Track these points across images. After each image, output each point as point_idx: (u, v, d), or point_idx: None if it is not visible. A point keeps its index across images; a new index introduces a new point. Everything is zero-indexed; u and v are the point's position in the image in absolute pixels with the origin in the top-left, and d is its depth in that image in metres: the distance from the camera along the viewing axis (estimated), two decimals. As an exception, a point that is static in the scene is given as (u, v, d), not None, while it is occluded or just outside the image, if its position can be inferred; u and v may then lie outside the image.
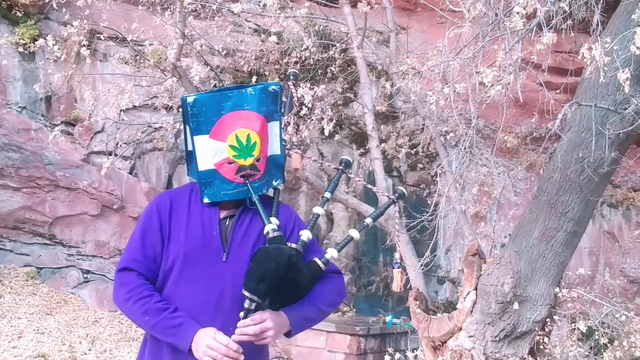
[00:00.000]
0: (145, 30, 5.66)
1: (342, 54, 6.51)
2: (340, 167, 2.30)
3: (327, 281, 2.04)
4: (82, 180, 6.85)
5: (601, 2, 3.08)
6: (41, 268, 6.82)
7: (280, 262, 1.85)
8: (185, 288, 1.92)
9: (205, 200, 2.01)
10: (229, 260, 1.94)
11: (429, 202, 5.54)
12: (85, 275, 6.96)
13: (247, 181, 1.99)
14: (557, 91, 5.20)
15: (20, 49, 6.53)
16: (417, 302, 3.89)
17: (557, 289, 3.53)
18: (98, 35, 6.02)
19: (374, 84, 7.18)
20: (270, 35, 5.23)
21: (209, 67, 5.75)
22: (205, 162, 2.00)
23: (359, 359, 6.40)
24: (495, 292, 3.42)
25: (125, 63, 6.79)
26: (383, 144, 6.63)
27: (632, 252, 8.19)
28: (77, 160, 6.96)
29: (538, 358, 3.56)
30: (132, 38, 5.52)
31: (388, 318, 7.18)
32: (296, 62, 6.43)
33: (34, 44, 5.25)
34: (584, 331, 3.57)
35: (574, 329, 3.63)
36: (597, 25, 3.10)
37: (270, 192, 2.13)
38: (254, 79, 5.70)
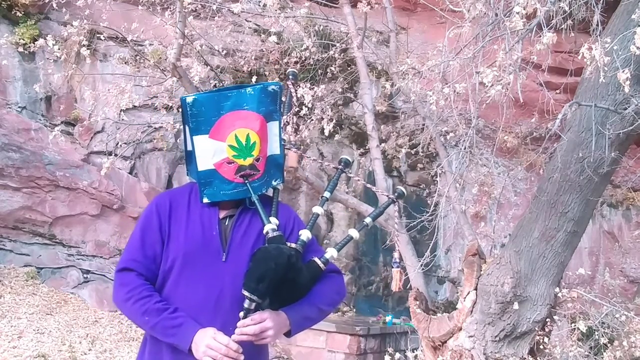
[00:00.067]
0: (145, 30, 5.66)
1: (342, 54, 6.51)
2: (340, 167, 2.30)
3: (327, 281, 2.04)
4: (82, 180, 6.85)
5: (601, 2, 3.08)
6: (41, 268, 6.82)
7: (280, 261, 1.85)
8: (185, 288, 1.92)
9: (205, 200, 2.01)
10: (229, 260, 1.94)
11: (429, 202, 5.54)
12: (85, 275, 6.96)
13: (246, 181, 1.99)
14: (557, 91, 5.20)
15: (20, 49, 6.53)
16: (417, 302, 3.89)
17: (557, 289, 3.53)
18: (98, 35, 6.02)
19: (374, 84, 7.18)
20: (270, 35, 5.23)
21: (209, 67, 5.75)
22: (204, 162, 2.00)
23: (359, 359, 6.40)
24: (495, 292, 3.42)
25: (125, 63, 6.79)
26: (383, 144, 6.63)
27: (632, 252, 8.19)
28: (77, 160, 6.96)
29: (538, 358, 3.56)
30: (132, 38, 5.52)
31: (388, 318, 7.18)
32: (296, 62, 6.43)
33: (34, 44, 5.25)
34: (584, 331, 3.57)
35: (574, 329, 3.63)
36: (597, 25, 3.10)
37: (270, 192, 2.13)
38: (254, 79, 5.70)
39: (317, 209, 2.14)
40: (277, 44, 6.45)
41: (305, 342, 6.50)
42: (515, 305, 3.40)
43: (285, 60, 6.63)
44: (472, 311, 3.53)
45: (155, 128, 6.87)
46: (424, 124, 5.83)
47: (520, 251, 3.53)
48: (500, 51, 3.15)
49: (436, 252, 7.82)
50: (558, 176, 3.45)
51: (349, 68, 6.74)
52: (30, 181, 6.66)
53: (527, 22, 2.87)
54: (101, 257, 7.08)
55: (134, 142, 6.90)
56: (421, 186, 8.22)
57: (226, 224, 2.00)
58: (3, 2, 6.84)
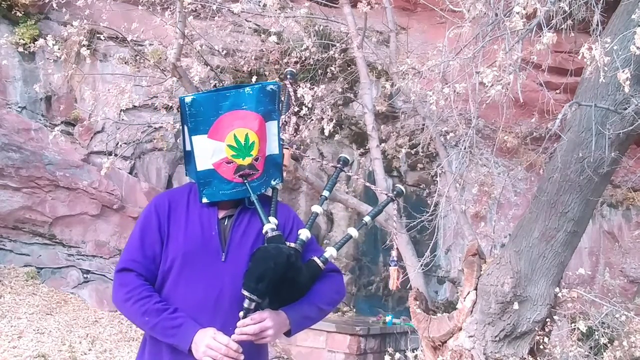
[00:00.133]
0: (145, 30, 5.65)
1: (342, 54, 6.50)
2: (339, 165, 2.30)
3: (326, 280, 2.04)
4: (82, 180, 6.85)
5: (601, 2, 3.08)
6: (41, 268, 6.82)
7: (279, 261, 1.85)
8: (184, 288, 1.92)
9: (204, 200, 2.01)
10: (228, 260, 1.94)
11: (429, 202, 5.54)
12: (85, 275, 6.96)
13: (245, 181, 1.99)
14: (557, 91, 5.20)
15: (20, 49, 6.53)
16: (417, 302, 3.89)
17: (557, 289, 3.53)
18: (98, 35, 6.02)
19: (374, 84, 7.18)
20: (270, 35, 5.23)
21: (209, 67, 5.74)
22: (203, 162, 2.00)
23: (359, 359, 6.40)
24: (495, 292, 3.42)
25: (125, 63, 6.80)
26: (383, 144, 6.63)
27: (632, 252, 8.19)
28: (77, 160, 6.96)
29: (538, 358, 3.56)
30: (132, 38, 5.52)
31: (388, 318, 7.18)
32: (296, 62, 6.42)
33: (34, 44, 5.25)
34: (584, 331, 3.57)
35: (574, 329, 3.63)
36: (597, 25, 3.10)
37: (269, 192, 2.13)
38: (254, 79, 5.70)
39: (316, 208, 2.14)
40: (277, 44, 6.45)
41: (305, 342, 6.50)
42: (515, 305, 3.40)
43: (285, 60, 6.63)
44: (472, 311, 3.53)
45: (155, 128, 6.87)
46: (424, 124, 5.83)
47: (520, 251, 3.53)
48: (500, 51, 3.15)
49: (436, 252, 7.82)
50: (558, 176, 3.45)
51: (349, 68, 6.74)
52: (30, 181, 6.66)
53: (527, 22, 2.87)
54: (101, 257, 7.08)
55: (134, 142, 6.90)
56: (421, 186, 8.22)
57: (225, 223, 2.00)
58: (3, 2, 6.84)
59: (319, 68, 6.52)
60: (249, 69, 6.76)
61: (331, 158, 7.85)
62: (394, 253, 2.20)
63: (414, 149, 6.40)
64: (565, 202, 3.44)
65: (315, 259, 2.00)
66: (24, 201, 6.66)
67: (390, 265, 2.24)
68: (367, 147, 6.33)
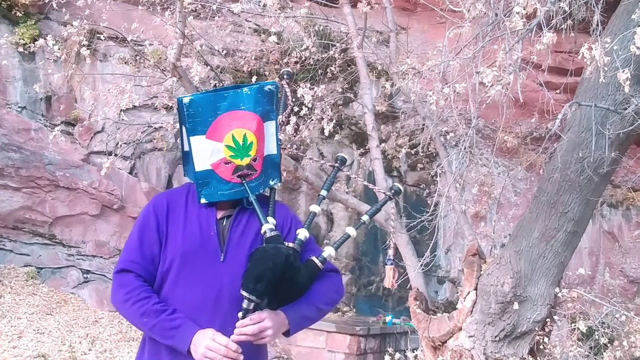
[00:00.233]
0: (145, 30, 5.65)
1: (342, 54, 6.50)
2: (336, 165, 2.30)
3: (325, 280, 2.04)
4: (82, 180, 6.85)
5: (601, 2, 3.08)
6: (41, 268, 6.82)
7: (278, 261, 1.85)
8: (183, 289, 1.92)
9: (203, 200, 2.01)
10: (227, 261, 1.94)
11: (429, 202, 5.54)
12: (85, 275, 6.97)
13: (243, 181, 1.99)
14: (557, 91, 5.19)
15: (20, 49, 6.53)
16: (417, 302, 3.89)
17: (557, 289, 3.53)
18: (98, 35, 6.01)
19: (374, 84, 7.18)
20: (270, 35, 5.22)
21: (209, 67, 5.74)
22: (201, 163, 2.00)
23: (359, 359, 6.40)
24: (495, 292, 3.42)
25: (125, 63, 6.79)
26: (383, 144, 6.62)
27: (632, 252, 8.19)
28: (77, 160, 6.96)
29: (538, 358, 3.56)
30: (132, 38, 5.51)
31: (388, 318, 7.18)
32: (296, 62, 6.42)
33: (34, 44, 5.24)
34: (584, 331, 3.57)
35: (574, 329, 3.63)
36: (597, 25, 3.09)
37: (267, 192, 2.13)
38: (254, 79, 5.69)
39: (314, 208, 2.14)
40: (277, 44, 6.45)
41: (305, 342, 6.50)
42: (515, 305, 3.40)
43: (285, 60, 6.63)
44: (472, 311, 3.53)
45: (155, 128, 6.87)
46: (424, 124, 5.83)
47: (520, 251, 3.53)
48: (500, 51, 3.15)
49: (436, 252, 7.82)
50: (558, 176, 3.45)
51: (349, 68, 6.73)
52: (30, 181, 6.66)
53: (527, 22, 2.87)
54: (101, 257, 7.08)
55: (134, 142, 6.90)
56: (421, 186, 8.22)
57: (224, 224, 2.00)
58: (3, 2, 6.85)
59: (319, 68, 6.52)
60: (249, 69, 6.76)
61: (331, 158, 7.85)
62: (390, 252, 2.21)
63: (414, 149, 6.40)
64: (565, 202, 3.44)
65: (314, 258, 2.00)
66: (24, 201, 6.66)
67: (386, 264, 2.25)
68: (367, 147, 6.32)
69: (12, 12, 6.89)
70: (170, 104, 5.69)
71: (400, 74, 5.13)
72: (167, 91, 5.53)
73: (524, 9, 2.75)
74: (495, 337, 3.45)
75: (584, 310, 3.69)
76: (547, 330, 3.55)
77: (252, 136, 1.98)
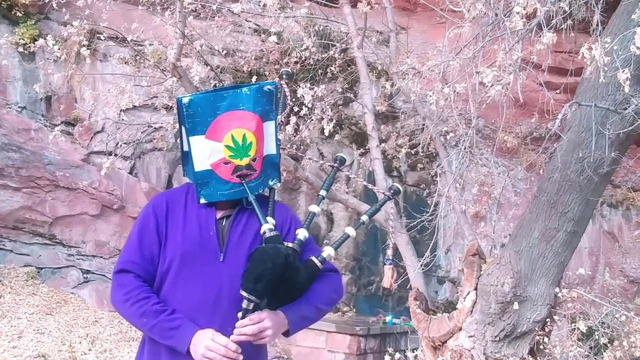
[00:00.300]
0: (145, 30, 5.65)
1: (342, 54, 6.50)
2: (335, 165, 2.30)
3: (325, 280, 2.04)
4: (82, 180, 6.85)
5: (601, 2, 3.08)
6: (41, 268, 6.82)
7: (277, 261, 1.85)
8: (182, 289, 1.92)
9: (202, 200, 2.00)
10: (226, 261, 1.94)
11: (429, 202, 5.54)
12: (85, 275, 6.97)
13: (243, 181, 1.99)
14: (557, 91, 5.19)
15: (20, 49, 6.53)
16: (417, 302, 3.89)
17: (557, 289, 3.53)
18: (98, 35, 6.02)
19: (374, 84, 7.18)
20: (270, 35, 5.22)
21: (209, 67, 5.74)
22: (201, 163, 1.99)
23: (359, 359, 6.40)
24: (495, 292, 3.42)
25: (125, 63, 6.79)
26: (383, 144, 6.62)
27: (632, 252, 8.18)
28: (77, 160, 6.96)
29: (538, 358, 3.56)
30: (132, 38, 5.51)
31: (388, 318, 7.18)
32: (296, 62, 6.42)
33: (34, 44, 5.24)
34: (584, 331, 3.56)
35: (574, 329, 3.63)
36: (597, 25, 3.09)
37: (267, 192, 2.13)
38: (254, 79, 5.70)
39: (313, 208, 2.14)
40: (277, 44, 6.45)
41: (305, 342, 6.50)
42: (515, 305, 3.40)
43: (285, 60, 6.62)
44: (472, 311, 3.53)
45: (155, 128, 6.87)
46: (424, 124, 5.83)
47: (520, 251, 3.53)
48: (500, 51, 3.15)
49: (436, 252, 7.82)
50: (558, 176, 3.45)
51: (349, 68, 6.73)
52: (30, 181, 6.66)
53: (527, 22, 2.87)
54: (101, 257, 7.08)
55: (134, 142, 6.90)
56: (421, 186, 8.22)
57: (223, 224, 2.00)
58: (3, 2, 6.85)
59: (319, 68, 6.52)
60: (249, 69, 6.76)
61: (331, 158, 7.84)
62: (389, 252, 2.21)
63: (414, 149, 6.40)
64: (565, 202, 3.44)
65: (313, 258, 2.00)
66: (24, 201, 6.66)
67: (384, 264, 2.25)
68: (367, 147, 6.33)
69: (12, 12, 6.89)
70: (170, 104, 5.69)
71: (400, 74, 5.13)
72: (167, 91, 5.53)
73: (524, 9, 2.75)
74: (495, 337, 3.45)
75: (584, 310, 3.69)
76: (547, 330, 3.55)
77: (251, 136, 1.98)
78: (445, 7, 3.83)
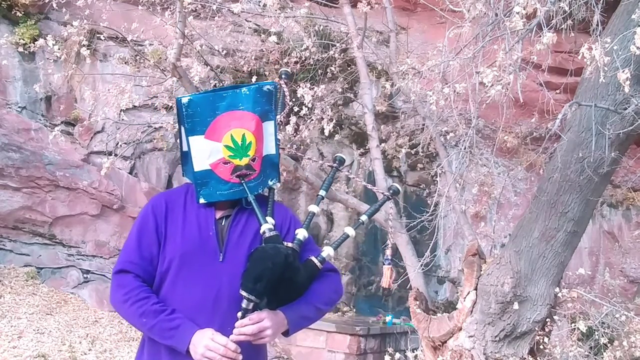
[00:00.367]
0: (145, 30, 5.65)
1: (342, 54, 6.50)
2: (334, 165, 2.30)
3: (324, 280, 2.04)
4: (82, 180, 6.85)
5: (601, 2, 3.08)
6: (41, 268, 6.83)
7: (277, 261, 1.85)
8: (182, 289, 1.92)
9: (201, 200, 2.00)
10: (226, 261, 1.94)
11: (429, 202, 5.54)
12: (85, 275, 6.97)
13: (242, 181, 1.99)
14: (557, 91, 5.19)
15: (20, 49, 6.53)
16: (417, 302, 3.89)
17: (557, 289, 3.53)
18: (98, 35, 6.02)
19: (374, 84, 7.18)
20: (270, 35, 5.22)
21: (209, 67, 5.74)
22: (200, 163, 1.99)
23: (359, 359, 6.40)
24: (495, 292, 3.42)
25: (125, 63, 6.79)
26: (383, 144, 6.62)
27: (632, 252, 8.18)
28: (77, 160, 6.96)
29: (538, 358, 3.56)
30: (132, 38, 5.51)
31: (388, 318, 7.17)
32: (296, 62, 6.42)
33: (34, 44, 5.24)
34: (584, 331, 3.56)
35: (574, 329, 3.62)
36: (597, 25, 3.10)
37: (266, 192, 2.13)
38: (254, 79, 5.70)
39: (313, 208, 2.14)
40: (277, 44, 6.44)
41: (305, 342, 6.50)
42: (515, 305, 3.40)
43: (285, 60, 6.62)
44: (472, 311, 3.53)
45: (155, 128, 6.87)
46: (424, 124, 5.83)
47: (520, 251, 3.53)
48: (500, 51, 3.15)
49: (436, 252, 7.82)
50: (558, 176, 3.45)
51: (349, 68, 6.73)
52: (30, 181, 6.66)
53: (527, 22, 2.87)
54: (101, 257, 7.08)
55: (134, 142, 6.90)
56: (421, 186, 8.21)
57: (223, 224, 2.00)
58: (3, 2, 6.85)
59: (319, 68, 6.52)
60: (249, 69, 6.76)
61: (331, 158, 7.83)
62: (388, 252, 2.22)
63: (414, 149, 6.39)
64: (565, 202, 3.44)
65: (313, 258, 2.00)
66: (24, 201, 6.66)
67: (384, 264, 2.26)
68: (367, 147, 6.33)
69: (12, 12, 6.89)
70: (170, 104, 5.69)
71: (400, 74, 5.13)
72: (167, 91, 5.53)
73: (524, 9, 2.75)
74: (495, 337, 3.45)
75: (584, 310, 3.69)
76: (547, 330, 3.54)
77: (250, 136, 1.98)
78: (445, 7, 3.83)
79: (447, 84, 3.62)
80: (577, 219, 3.48)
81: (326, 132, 5.53)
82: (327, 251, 2.03)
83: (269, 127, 2.07)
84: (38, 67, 7.03)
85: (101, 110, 5.94)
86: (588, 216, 3.62)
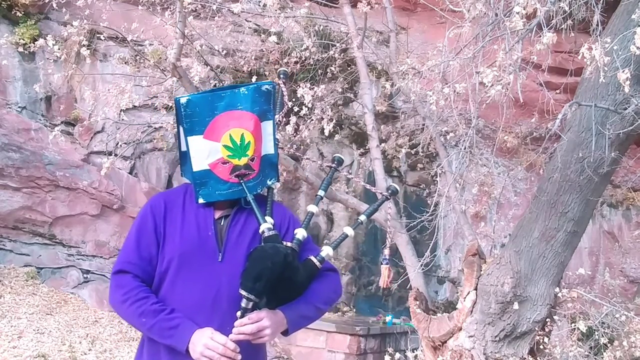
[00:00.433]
0: (145, 30, 5.65)
1: (342, 54, 6.50)
2: (333, 165, 2.31)
3: (323, 279, 2.04)
4: (82, 180, 6.85)
5: (601, 2, 3.08)
6: (41, 268, 6.83)
7: (276, 260, 1.85)
8: (181, 289, 1.92)
9: (200, 200, 2.00)
10: (225, 260, 1.94)
11: (429, 202, 5.54)
12: (85, 275, 6.97)
13: (241, 181, 1.99)
14: (557, 91, 5.19)
15: (20, 49, 6.53)
16: (417, 302, 3.89)
17: (557, 289, 3.53)
18: (98, 35, 6.02)
19: (374, 84, 7.18)
20: (270, 35, 5.22)
21: (209, 67, 5.74)
22: (199, 163, 2.00)
23: (359, 359, 6.40)
24: (495, 292, 3.42)
25: (125, 63, 6.79)
26: (383, 144, 6.62)
27: (632, 252, 8.18)
28: (77, 160, 6.96)
29: (538, 358, 3.56)
30: (132, 38, 5.51)
31: (388, 318, 7.17)
32: (296, 62, 6.42)
33: (34, 44, 5.24)
34: (584, 331, 3.56)
35: (574, 329, 3.62)
36: (597, 25, 3.09)
37: (265, 192, 2.13)
38: (254, 79, 5.70)
39: (312, 208, 2.15)
40: (277, 44, 6.44)
41: (305, 342, 6.50)
42: (515, 305, 3.40)
43: (285, 60, 6.62)
44: (472, 311, 3.53)
45: (155, 128, 6.87)
46: (424, 124, 5.83)
47: (520, 251, 3.53)
48: (500, 51, 3.15)
49: (436, 252, 7.81)
50: (558, 176, 3.45)
51: (349, 68, 6.73)
52: (30, 181, 6.66)
53: (527, 22, 2.87)
54: (101, 257, 7.08)
55: (134, 142, 6.90)
56: (421, 186, 8.21)
57: (222, 224, 2.00)
58: (3, 2, 6.85)
59: (319, 68, 6.52)
60: (249, 69, 6.76)
61: (331, 158, 7.84)
62: (386, 251, 2.23)
63: (414, 149, 6.39)
64: (565, 202, 3.44)
65: (312, 258, 2.00)
66: (24, 201, 6.66)
67: (381, 263, 2.27)
68: (367, 147, 6.33)
69: (12, 12, 6.89)
70: (170, 104, 5.69)
71: (400, 74, 5.13)
72: (167, 91, 5.53)
73: (524, 9, 2.75)
74: (495, 337, 3.45)
75: (584, 310, 3.69)
76: (547, 330, 3.54)
77: (249, 136, 1.98)
78: (445, 7, 3.83)
79: (447, 84, 3.62)
80: (577, 219, 3.48)
81: (326, 132, 5.53)
82: (326, 251, 2.03)
83: (267, 126, 2.07)
84: (38, 67, 7.03)
85: (101, 110, 5.94)
86: (588, 216, 3.62)
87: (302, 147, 6.87)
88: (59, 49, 4.94)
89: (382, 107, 6.36)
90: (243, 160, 1.99)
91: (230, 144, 1.97)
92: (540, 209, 3.52)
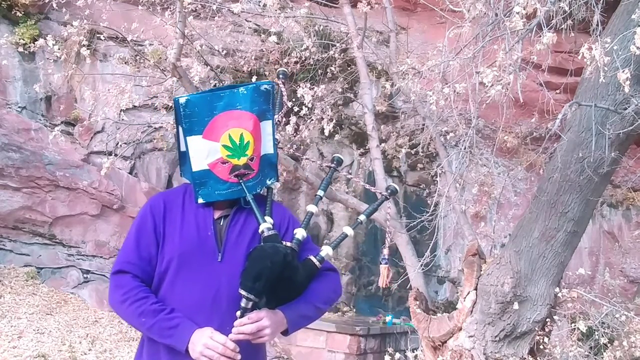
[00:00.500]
0: (145, 30, 5.65)
1: (342, 54, 6.50)
2: (333, 165, 2.31)
3: (323, 279, 2.04)
4: (82, 180, 6.85)
5: (601, 2, 3.08)
6: (41, 268, 6.83)
7: (276, 260, 1.85)
8: (181, 289, 1.92)
9: (200, 200, 2.00)
10: (225, 260, 1.94)
11: (429, 202, 5.54)
12: (85, 275, 6.97)
13: (241, 181, 1.99)
14: (557, 91, 5.19)
15: (20, 49, 6.53)
16: (417, 302, 3.89)
17: (557, 289, 3.52)
18: (98, 35, 6.02)
19: (374, 84, 7.18)
20: (270, 35, 5.22)
21: (209, 67, 5.74)
22: (198, 163, 2.00)
23: (359, 359, 6.40)
24: (495, 292, 3.42)
25: (125, 63, 6.79)
26: (383, 144, 6.62)
27: (632, 252, 8.18)
28: (77, 160, 6.96)
29: (538, 358, 3.56)
30: (132, 38, 5.51)
31: (388, 318, 7.17)
32: (296, 62, 6.42)
33: (34, 44, 5.24)
34: (584, 331, 3.56)
35: (574, 329, 3.62)
36: (597, 25, 3.09)
37: (264, 192, 2.13)
38: (254, 79, 5.70)
39: (311, 208, 2.15)
40: (277, 44, 6.44)
41: (305, 342, 6.49)
42: (515, 305, 3.40)
43: (285, 60, 6.62)
44: (472, 311, 3.53)
45: (155, 128, 6.87)
46: (424, 124, 5.83)
47: (520, 251, 3.53)
48: (500, 51, 3.15)
49: (436, 252, 7.81)
50: (558, 176, 3.44)
51: (349, 68, 6.73)
52: (30, 181, 6.66)
53: (527, 22, 2.87)
54: (101, 257, 7.08)
55: (134, 142, 6.90)
56: (421, 186, 8.21)
57: (221, 224, 2.00)
58: (3, 2, 6.85)
59: (319, 68, 6.52)
60: (249, 69, 6.76)
61: (330, 158, 7.83)
62: (385, 251, 2.23)
63: (414, 149, 6.39)
64: (565, 202, 3.43)
65: (312, 257, 2.00)
66: (24, 201, 6.66)
67: (380, 263, 2.27)
68: (367, 147, 6.33)
69: (12, 12, 6.89)
70: (170, 104, 5.68)
71: (400, 74, 5.13)
72: (167, 91, 5.53)
73: (524, 9, 2.75)
74: (495, 337, 3.45)
75: (584, 310, 3.69)
76: (547, 330, 3.54)
77: (248, 136, 1.98)
78: (445, 7, 3.83)
79: (447, 84, 3.62)
80: (577, 219, 3.48)
81: (326, 132, 5.53)
82: (325, 250, 2.03)
83: (266, 126, 2.07)
84: (38, 67, 7.03)
85: (101, 110, 5.94)
86: (588, 216, 3.62)
87: (302, 147, 6.87)
88: (59, 49, 4.94)
89: (382, 107, 6.36)
90: (242, 160, 1.98)
91: (230, 144, 1.97)
92: (540, 209, 3.52)
